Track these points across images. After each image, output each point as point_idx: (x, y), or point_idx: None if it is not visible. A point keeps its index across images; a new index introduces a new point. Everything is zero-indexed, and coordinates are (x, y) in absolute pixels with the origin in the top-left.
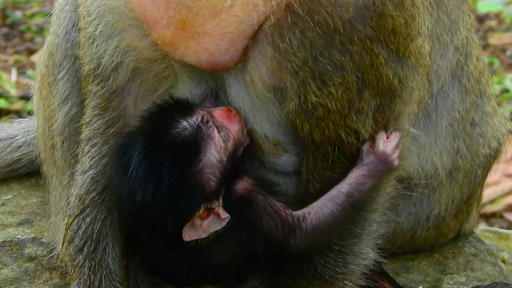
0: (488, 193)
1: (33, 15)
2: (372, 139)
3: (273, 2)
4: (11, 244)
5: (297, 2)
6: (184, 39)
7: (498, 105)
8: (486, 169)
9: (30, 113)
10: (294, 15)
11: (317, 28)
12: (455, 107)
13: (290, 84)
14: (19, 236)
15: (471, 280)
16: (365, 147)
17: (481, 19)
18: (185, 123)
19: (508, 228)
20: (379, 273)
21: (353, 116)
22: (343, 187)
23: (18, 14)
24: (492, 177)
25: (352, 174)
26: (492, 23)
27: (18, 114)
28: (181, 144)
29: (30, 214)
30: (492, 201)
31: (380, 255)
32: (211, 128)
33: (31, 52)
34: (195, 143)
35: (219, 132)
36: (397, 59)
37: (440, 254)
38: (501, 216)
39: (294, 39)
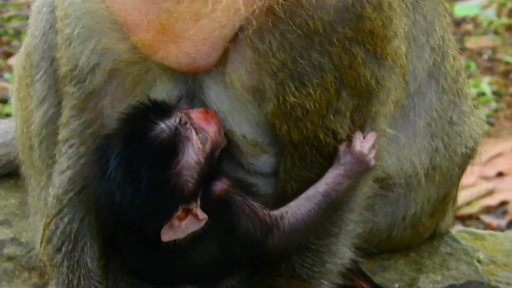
0: (464, 195)
1: (10, 19)
2: (349, 139)
3: (254, 6)
4: None
5: (279, 5)
6: (164, 43)
7: (474, 106)
8: (462, 168)
9: (7, 115)
10: (275, 18)
11: (298, 30)
12: (433, 107)
13: (269, 85)
14: None
15: (446, 279)
16: (342, 147)
17: (457, 22)
18: (163, 125)
19: (484, 230)
20: (356, 272)
21: (331, 116)
22: (321, 186)
23: None
24: (468, 179)
25: (329, 174)
26: (469, 26)
27: None
28: (159, 146)
29: (9, 214)
30: (468, 203)
31: (357, 255)
32: (189, 130)
33: (8, 55)
34: (173, 145)
35: (197, 134)
36: (375, 60)
37: (416, 253)
38: (477, 218)
39: (274, 41)
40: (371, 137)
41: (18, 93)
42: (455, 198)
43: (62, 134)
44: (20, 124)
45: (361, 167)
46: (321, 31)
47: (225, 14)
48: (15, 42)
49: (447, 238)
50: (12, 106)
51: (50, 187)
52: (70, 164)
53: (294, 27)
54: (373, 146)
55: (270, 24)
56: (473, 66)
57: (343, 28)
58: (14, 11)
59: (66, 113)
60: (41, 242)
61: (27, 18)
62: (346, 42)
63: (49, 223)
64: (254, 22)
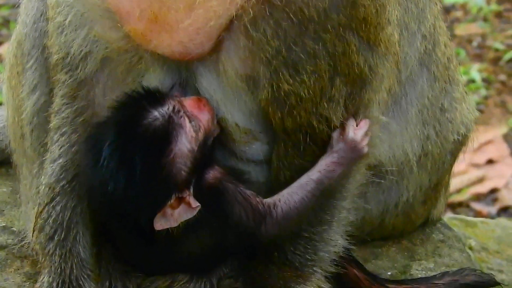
0: (454, 182)
1: None
2: (342, 127)
3: None
4: None
5: None
6: (157, 33)
7: (466, 92)
8: (454, 155)
9: None
10: (270, 5)
11: (293, 18)
12: (424, 94)
13: (263, 73)
14: None
15: (439, 266)
16: (335, 134)
17: (447, 9)
18: (156, 113)
19: (475, 217)
20: (349, 259)
21: (325, 103)
22: (314, 174)
23: None
24: (459, 166)
25: (322, 162)
26: (458, 13)
27: None
28: (152, 135)
29: (1, 203)
30: (459, 190)
31: (349, 242)
32: (182, 118)
33: None
34: (166, 133)
35: (190, 122)
36: (368, 47)
37: (408, 241)
38: (468, 206)
39: (269, 29)
40: (364, 125)
41: (10, 82)
42: (447, 185)
43: (54, 122)
44: (12, 112)
45: (354, 155)
46: (316, 18)
47: (220, 3)
48: (4, 31)
49: (439, 225)
50: (3, 95)
51: (42, 175)
52: (62, 153)
53: (289, 15)
54: (366, 134)
55: (265, 12)
56: (462, 53)
57: (337, 15)
58: (3, 0)
59: (57, 101)
60: (33, 231)
61: (17, 7)
62: (340, 29)
63: (41, 211)
64: (250, 10)
